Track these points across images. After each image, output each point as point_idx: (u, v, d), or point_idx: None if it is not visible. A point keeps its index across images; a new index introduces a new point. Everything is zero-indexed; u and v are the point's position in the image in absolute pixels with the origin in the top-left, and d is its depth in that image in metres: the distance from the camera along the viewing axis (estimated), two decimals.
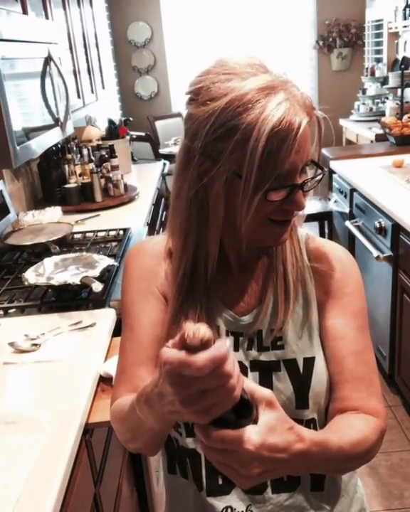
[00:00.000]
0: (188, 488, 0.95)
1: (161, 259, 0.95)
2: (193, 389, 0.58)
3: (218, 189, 0.80)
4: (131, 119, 3.94)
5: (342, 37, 6.05)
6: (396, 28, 4.91)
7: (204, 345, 0.57)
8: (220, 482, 0.91)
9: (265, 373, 0.88)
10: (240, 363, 0.88)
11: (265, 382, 0.88)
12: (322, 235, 3.69)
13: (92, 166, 2.93)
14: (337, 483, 0.95)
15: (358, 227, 2.94)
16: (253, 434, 0.64)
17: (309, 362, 0.88)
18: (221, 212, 0.82)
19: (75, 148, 3.05)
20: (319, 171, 0.83)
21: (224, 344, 0.58)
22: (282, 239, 0.87)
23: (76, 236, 2.35)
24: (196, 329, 0.57)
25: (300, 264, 0.91)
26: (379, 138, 4.14)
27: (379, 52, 5.64)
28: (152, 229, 2.71)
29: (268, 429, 0.65)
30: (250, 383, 0.67)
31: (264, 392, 0.67)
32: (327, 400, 0.90)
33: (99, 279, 1.69)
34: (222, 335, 0.90)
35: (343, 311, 0.90)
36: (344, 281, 0.92)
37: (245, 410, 0.64)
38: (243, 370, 0.88)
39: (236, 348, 0.90)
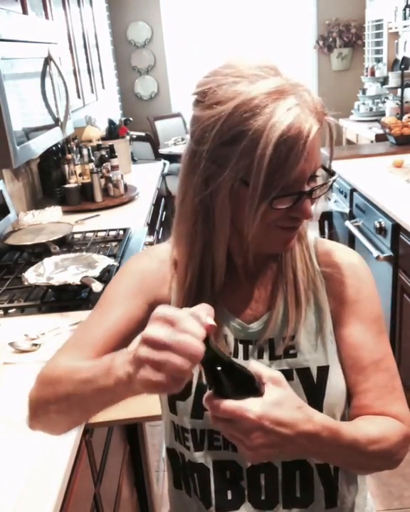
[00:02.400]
0: (191, 506, 0.94)
1: (162, 265, 0.91)
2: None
3: (224, 196, 0.78)
4: (131, 119, 3.94)
5: (342, 37, 6.05)
6: (396, 28, 4.91)
7: None
8: (229, 497, 0.89)
9: None
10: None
11: None
12: (322, 235, 3.69)
13: (92, 166, 2.93)
14: (350, 499, 0.93)
15: (358, 227, 2.94)
16: (255, 405, 0.66)
17: (324, 371, 0.85)
18: (227, 219, 0.80)
19: (75, 148, 3.05)
20: (330, 177, 0.81)
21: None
22: (289, 246, 0.84)
23: (76, 236, 2.35)
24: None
25: (311, 269, 0.89)
26: (379, 138, 4.14)
27: (379, 52, 5.64)
28: (152, 229, 2.71)
29: (273, 402, 0.67)
30: (257, 365, 0.69)
31: (273, 372, 0.69)
32: (342, 411, 0.88)
33: (99, 279, 1.69)
34: (230, 343, 0.87)
35: (359, 318, 0.87)
36: (357, 286, 0.89)
37: (250, 387, 0.68)
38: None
39: (246, 357, 0.87)
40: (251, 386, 0.68)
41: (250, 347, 0.87)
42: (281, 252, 0.87)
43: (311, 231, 0.93)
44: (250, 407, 0.66)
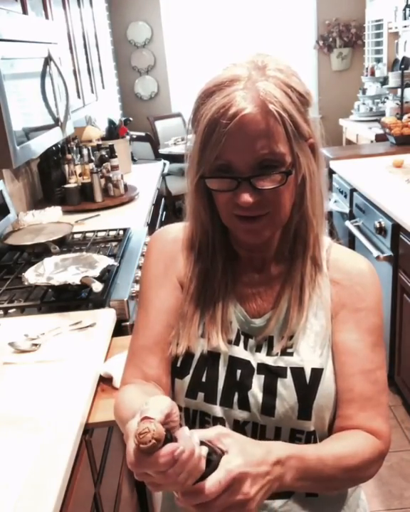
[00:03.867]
0: None
1: (174, 245, 0.96)
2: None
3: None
4: (131, 119, 3.94)
5: (342, 37, 6.05)
6: (396, 28, 4.91)
7: (151, 448, 0.62)
8: None
9: (271, 378, 0.87)
10: (248, 364, 0.88)
11: (270, 386, 0.87)
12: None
13: (92, 166, 2.93)
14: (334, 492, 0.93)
15: (358, 227, 2.94)
16: (231, 463, 0.67)
17: (317, 373, 0.86)
18: (204, 200, 0.87)
19: (75, 148, 3.05)
20: (282, 169, 0.79)
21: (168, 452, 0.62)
22: (254, 236, 0.85)
23: (76, 236, 2.35)
24: (143, 433, 0.62)
25: (319, 273, 0.90)
26: (379, 138, 4.14)
27: (379, 52, 5.64)
28: (152, 229, 2.71)
29: (239, 452, 0.68)
30: (198, 434, 0.68)
31: (215, 429, 0.71)
32: (331, 415, 0.88)
33: (99, 279, 1.69)
34: (234, 330, 0.90)
35: (357, 326, 0.88)
36: (362, 295, 0.89)
37: (211, 456, 0.68)
38: (250, 372, 0.88)
39: (246, 348, 0.90)
40: (211, 455, 0.68)
41: (250, 340, 0.90)
42: (249, 241, 0.88)
43: (326, 237, 0.94)
44: (231, 467, 0.66)
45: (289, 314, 0.88)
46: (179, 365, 0.90)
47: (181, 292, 0.93)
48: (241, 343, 0.90)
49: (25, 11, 1.96)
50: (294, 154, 0.81)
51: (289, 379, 0.86)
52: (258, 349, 0.89)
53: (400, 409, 2.65)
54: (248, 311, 0.91)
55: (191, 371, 0.89)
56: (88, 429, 1.23)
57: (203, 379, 0.89)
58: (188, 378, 0.89)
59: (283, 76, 0.80)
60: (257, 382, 0.87)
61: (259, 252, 0.92)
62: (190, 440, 0.65)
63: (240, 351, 0.89)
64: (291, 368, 0.87)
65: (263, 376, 0.88)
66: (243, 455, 0.68)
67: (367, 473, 0.85)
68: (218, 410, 0.88)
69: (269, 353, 0.89)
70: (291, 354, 0.87)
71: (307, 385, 0.86)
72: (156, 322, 0.93)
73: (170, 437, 0.64)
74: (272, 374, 0.87)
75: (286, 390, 0.86)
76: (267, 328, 0.89)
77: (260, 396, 0.87)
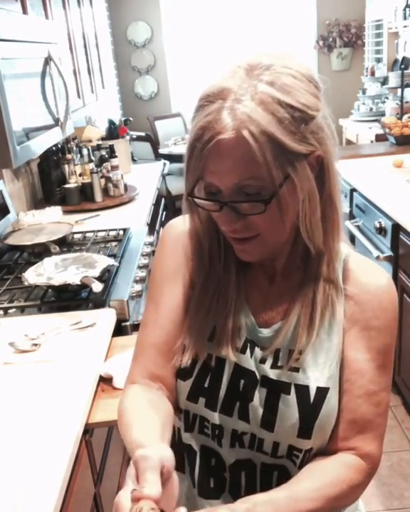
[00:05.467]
0: (182, 482, 0.93)
1: (178, 241, 0.94)
2: None
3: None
4: (131, 119, 3.94)
5: (342, 37, 6.05)
6: (396, 28, 4.91)
7: None
8: (212, 485, 0.91)
9: (274, 394, 0.84)
10: (253, 375, 0.86)
11: (271, 402, 0.84)
12: None
13: (92, 166, 2.93)
14: None
15: (358, 227, 2.94)
16: None
17: (323, 392, 0.83)
18: (197, 210, 0.85)
19: (75, 148, 3.05)
20: (262, 195, 0.75)
21: None
22: (247, 256, 0.84)
23: (76, 236, 2.35)
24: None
25: (333, 286, 0.85)
26: (379, 138, 4.14)
27: (379, 52, 5.64)
28: (152, 229, 2.71)
29: None
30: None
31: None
32: (330, 434, 0.86)
33: (99, 279, 1.69)
34: (242, 337, 0.87)
35: (368, 346, 0.85)
36: (377, 312, 0.85)
37: None
38: (253, 384, 0.85)
39: (250, 357, 0.87)
40: None
41: (256, 349, 0.87)
42: (247, 260, 0.86)
43: (344, 245, 0.88)
44: None
45: (298, 330, 0.84)
46: (183, 367, 0.88)
47: (193, 292, 0.91)
48: (248, 351, 0.87)
49: (25, 11, 1.96)
50: (276, 179, 0.74)
51: (292, 396, 0.83)
52: (263, 361, 0.86)
53: (400, 409, 2.65)
54: (257, 320, 0.88)
55: (195, 375, 0.87)
56: (88, 429, 1.23)
57: (206, 384, 0.87)
58: (190, 381, 0.88)
59: (274, 90, 0.72)
60: (259, 396, 0.85)
61: (269, 261, 0.88)
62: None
63: (246, 360, 0.86)
64: (295, 385, 0.84)
65: (265, 390, 0.85)
66: None
67: (352, 498, 0.84)
68: (217, 418, 0.87)
69: (274, 367, 0.85)
70: (297, 370, 0.84)
71: (310, 404, 0.83)
72: (167, 320, 0.90)
73: None
74: (276, 389, 0.84)
75: (288, 408, 0.83)
76: (275, 340, 0.86)
77: (260, 411, 0.85)
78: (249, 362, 0.86)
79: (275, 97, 0.72)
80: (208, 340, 0.87)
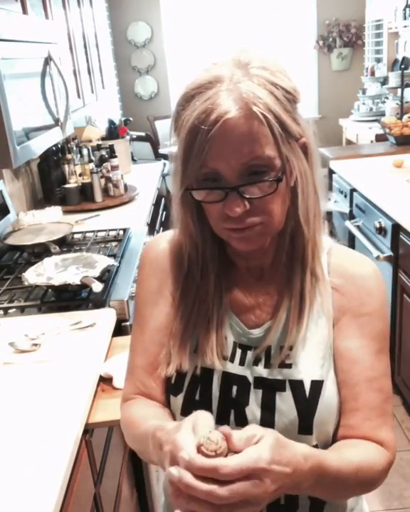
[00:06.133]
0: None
1: (159, 255, 0.93)
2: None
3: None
4: (131, 119, 3.94)
5: (342, 37, 6.05)
6: (396, 28, 4.92)
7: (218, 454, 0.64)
8: None
9: (269, 393, 0.84)
10: (245, 379, 0.85)
11: (268, 402, 0.83)
12: None
13: (92, 166, 2.93)
14: (338, 509, 0.91)
15: (358, 227, 2.94)
16: (260, 452, 0.64)
17: (317, 385, 0.83)
18: (192, 211, 0.83)
19: (75, 148, 3.05)
20: (271, 175, 0.75)
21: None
22: (247, 243, 0.81)
23: (76, 236, 2.35)
24: (212, 441, 0.65)
25: (320, 280, 0.85)
26: (379, 138, 4.14)
27: (379, 52, 5.64)
28: (152, 229, 2.72)
29: (268, 446, 0.65)
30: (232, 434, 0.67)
31: (245, 432, 0.67)
32: (334, 428, 0.85)
33: (99, 279, 1.69)
34: (229, 345, 0.87)
35: (360, 333, 0.84)
36: (365, 299, 0.85)
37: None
38: (246, 388, 0.85)
39: (242, 362, 0.86)
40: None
41: (249, 353, 0.86)
42: (243, 250, 0.84)
43: (327, 238, 0.89)
44: (258, 457, 0.63)
45: (288, 324, 0.84)
46: (173, 382, 0.88)
47: (176, 303, 0.91)
48: (238, 358, 0.86)
49: (25, 11, 1.96)
50: (283, 157, 0.75)
51: (288, 393, 0.83)
52: (256, 362, 0.85)
53: (400, 409, 2.65)
54: (246, 322, 0.88)
55: (185, 389, 0.86)
56: (88, 429, 1.23)
57: (197, 397, 0.86)
58: (181, 396, 0.87)
59: (268, 73, 0.75)
60: (254, 398, 0.84)
61: (256, 259, 0.88)
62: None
63: (235, 367, 0.86)
64: (290, 381, 0.83)
65: (260, 391, 0.84)
66: (271, 451, 0.64)
67: (377, 484, 0.83)
68: None
69: (267, 366, 0.85)
70: (290, 366, 0.83)
71: (306, 398, 0.82)
72: (151, 342, 0.91)
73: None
74: (270, 388, 0.84)
75: (285, 404, 0.82)
76: (266, 338, 0.85)
77: (258, 412, 0.84)
78: (239, 368, 0.86)
79: (269, 79, 0.75)
80: (193, 352, 0.87)
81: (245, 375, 0.85)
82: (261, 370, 0.85)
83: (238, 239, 0.81)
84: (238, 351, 0.87)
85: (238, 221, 0.77)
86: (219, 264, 0.88)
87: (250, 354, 0.86)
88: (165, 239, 0.95)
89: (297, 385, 0.83)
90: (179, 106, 0.77)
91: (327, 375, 0.84)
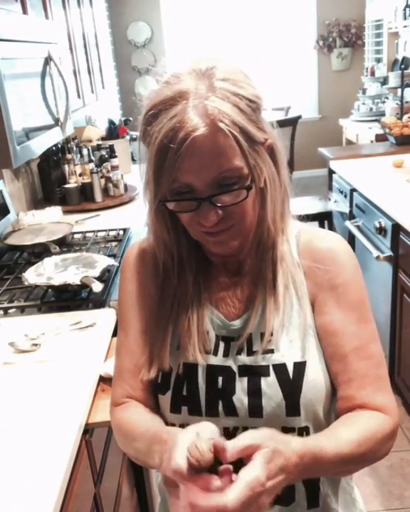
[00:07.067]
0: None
1: (138, 259, 0.97)
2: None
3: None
4: (131, 119, 3.94)
5: (342, 37, 6.06)
6: (396, 28, 4.92)
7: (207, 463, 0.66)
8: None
9: (254, 379, 0.86)
10: (229, 369, 0.87)
11: (254, 387, 0.85)
12: None
13: (92, 166, 2.93)
14: (334, 500, 0.92)
15: (358, 227, 2.94)
16: (254, 473, 0.66)
17: (300, 367, 0.85)
18: (166, 221, 0.88)
19: (75, 148, 3.05)
20: (240, 186, 0.79)
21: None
22: (224, 247, 0.86)
23: (76, 236, 2.35)
24: (200, 451, 0.66)
25: (291, 264, 0.89)
26: (379, 138, 4.14)
27: (379, 52, 5.64)
28: None
29: (266, 463, 0.68)
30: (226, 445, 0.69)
31: (243, 440, 0.70)
32: (325, 407, 0.87)
33: (99, 279, 1.69)
34: (212, 339, 0.89)
35: (337, 304, 0.86)
36: (335, 271, 0.87)
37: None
38: (231, 377, 0.87)
39: (226, 354, 0.89)
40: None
41: (231, 344, 0.89)
42: (221, 253, 0.89)
43: (296, 222, 0.94)
44: (251, 482, 0.66)
45: (266, 312, 0.87)
46: (159, 381, 0.90)
47: (159, 301, 0.94)
48: (221, 350, 0.89)
49: (25, 11, 1.96)
50: (251, 165, 0.79)
51: (272, 377, 0.85)
52: (239, 352, 0.88)
53: (400, 409, 2.65)
54: (226, 315, 0.90)
55: (171, 386, 0.89)
56: (88, 429, 1.23)
57: (184, 392, 0.88)
58: (169, 394, 0.89)
59: (230, 84, 0.77)
60: (240, 386, 0.86)
61: (233, 256, 0.91)
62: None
63: (218, 359, 0.88)
64: (273, 365, 0.85)
65: (245, 378, 0.86)
66: (265, 468, 0.67)
67: (386, 450, 0.84)
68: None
69: (250, 352, 0.87)
70: (272, 351, 0.86)
71: (291, 380, 0.84)
72: (136, 344, 0.93)
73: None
74: (255, 374, 0.86)
75: (270, 388, 0.84)
76: (246, 328, 0.88)
77: (245, 399, 0.85)
78: (221, 359, 0.88)
79: (232, 91, 0.77)
80: (176, 350, 0.89)
81: (229, 365, 0.88)
82: (244, 359, 0.87)
83: (214, 242, 0.85)
84: (221, 344, 0.89)
85: (213, 227, 0.81)
86: (196, 263, 0.92)
87: (232, 345, 0.89)
88: (142, 244, 0.99)
89: (280, 369, 0.85)
90: (145, 121, 0.80)
91: (309, 356, 0.86)
